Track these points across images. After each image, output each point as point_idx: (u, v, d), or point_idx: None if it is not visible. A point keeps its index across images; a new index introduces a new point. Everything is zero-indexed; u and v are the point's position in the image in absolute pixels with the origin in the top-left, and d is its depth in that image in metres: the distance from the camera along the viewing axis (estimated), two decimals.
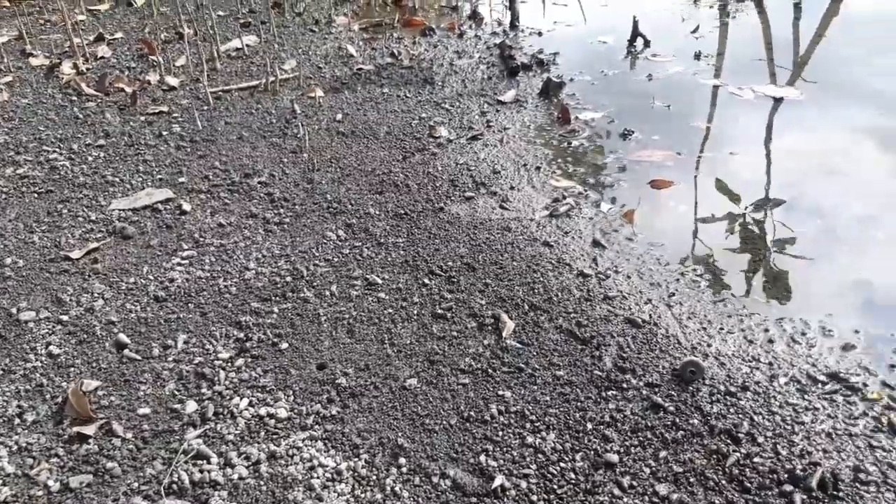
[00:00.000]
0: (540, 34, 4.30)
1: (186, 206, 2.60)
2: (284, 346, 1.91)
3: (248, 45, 4.30)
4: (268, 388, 1.77)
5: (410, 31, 4.55)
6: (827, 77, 3.43)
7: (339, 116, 3.34)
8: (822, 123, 3.04)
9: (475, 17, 4.66)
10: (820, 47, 3.81)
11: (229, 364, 1.85)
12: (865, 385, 1.75)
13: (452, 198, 2.65)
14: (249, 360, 1.87)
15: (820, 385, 1.76)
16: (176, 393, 1.77)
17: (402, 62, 3.99)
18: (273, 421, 1.67)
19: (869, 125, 2.97)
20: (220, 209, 2.60)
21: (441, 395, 1.73)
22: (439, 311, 2.02)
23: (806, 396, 1.73)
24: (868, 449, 1.58)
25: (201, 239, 2.42)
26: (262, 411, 1.69)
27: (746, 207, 2.50)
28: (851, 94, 3.25)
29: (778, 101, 3.25)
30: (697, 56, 3.72)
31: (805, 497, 1.47)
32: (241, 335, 1.96)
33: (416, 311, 2.03)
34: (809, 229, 2.36)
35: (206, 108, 3.46)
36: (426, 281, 2.16)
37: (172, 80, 3.75)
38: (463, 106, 3.44)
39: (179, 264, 2.29)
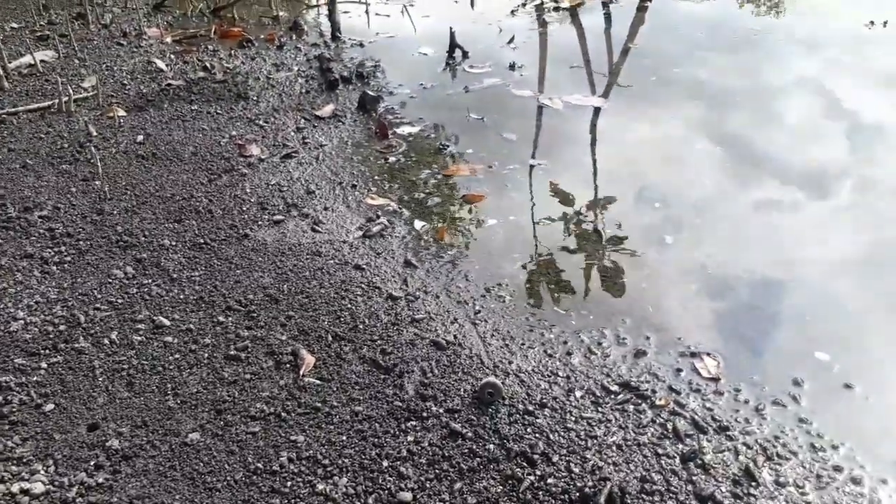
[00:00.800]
0: (362, 45, 4.24)
1: None
2: (50, 407, 1.70)
3: (42, 62, 3.90)
4: (25, 460, 1.56)
5: (228, 43, 4.33)
6: (640, 81, 3.60)
7: (141, 137, 3.09)
8: (624, 127, 3.18)
9: (296, 28, 4.51)
10: (632, 54, 4.01)
11: None
12: (654, 392, 1.81)
13: (260, 222, 2.51)
14: (7, 427, 1.64)
15: (613, 396, 1.80)
16: None
17: (216, 76, 3.77)
18: (27, 498, 1.46)
19: (673, 125, 3.15)
20: None
21: (227, 448, 1.60)
22: (233, 353, 1.88)
23: (600, 409, 1.76)
24: (654, 457, 1.62)
25: None
26: (15, 488, 1.49)
27: (577, 212, 2.56)
28: (653, 96, 3.43)
29: (589, 108, 3.37)
30: (512, 67, 3.80)
31: None
32: (0, 399, 1.72)
33: (206, 355, 1.88)
34: (612, 234, 2.45)
35: None
36: (221, 318, 2.01)
37: None
38: (278, 122, 3.30)
39: None
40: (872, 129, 3.12)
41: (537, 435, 1.67)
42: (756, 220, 2.51)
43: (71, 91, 3.39)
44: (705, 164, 2.87)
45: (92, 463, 1.56)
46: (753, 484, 1.55)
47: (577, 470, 1.59)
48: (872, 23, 4.25)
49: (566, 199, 2.68)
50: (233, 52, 4.14)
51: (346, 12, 4.83)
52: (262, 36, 4.40)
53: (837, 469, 1.58)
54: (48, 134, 3.11)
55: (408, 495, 1.50)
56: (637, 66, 3.85)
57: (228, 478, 1.53)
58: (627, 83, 3.62)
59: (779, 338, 1.98)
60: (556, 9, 4.76)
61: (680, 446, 1.65)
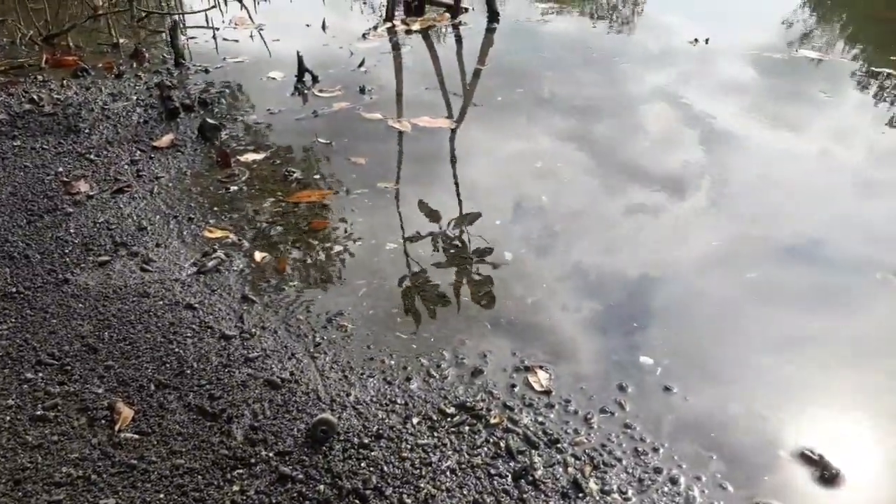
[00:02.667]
0: (207, 71, 4.09)
1: None
2: None
3: None
4: None
5: (61, 73, 4.06)
6: (487, 101, 3.68)
7: None
8: (473, 146, 3.23)
9: (137, 55, 4.30)
10: (476, 74, 4.09)
11: None
12: (489, 410, 1.81)
13: (83, 265, 2.34)
14: None
15: (449, 419, 1.79)
16: None
17: (44, 108, 3.52)
18: None
19: (517, 142, 3.22)
20: None
21: None
22: (40, 413, 1.72)
23: (436, 433, 1.74)
24: (487, 479, 1.62)
25: None
26: None
27: (423, 234, 2.54)
28: (498, 115, 3.51)
29: (438, 130, 3.39)
30: (362, 90, 3.78)
31: None
32: None
33: (8, 418, 1.71)
34: (455, 255, 2.46)
35: None
36: (30, 375, 1.85)
37: None
38: (112, 155, 3.11)
39: None
40: (703, 136, 3.33)
41: (371, 469, 1.64)
42: (595, 231, 2.60)
43: None
44: (549, 177, 2.96)
45: None
46: (581, 495, 1.58)
47: (409, 501, 1.56)
48: (696, 40, 4.57)
49: (412, 220, 2.68)
50: (66, 82, 3.89)
51: (192, 38, 4.67)
52: (99, 64, 4.17)
53: (657, 471, 1.64)
54: None
55: None
56: (485, 86, 3.94)
57: None
58: (479, 103, 3.69)
59: (608, 345, 2.04)
60: (408, 31, 4.80)
61: (512, 464, 1.66)
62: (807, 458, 1.68)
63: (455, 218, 2.68)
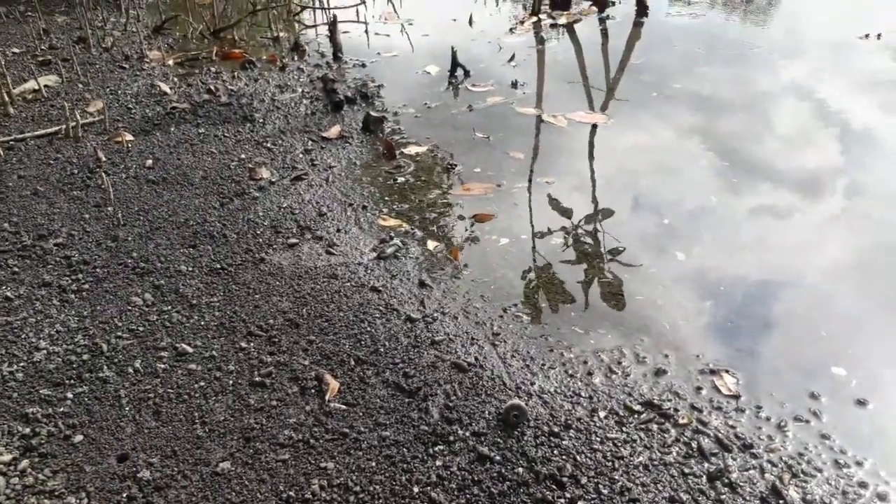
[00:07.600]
0: (364, 65, 4.27)
1: None
2: (79, 438, 1.70)
3: (46, 86, 3.92)
4: (57, 492, 1.57)
5: (230, 65, 4.36)
6: (641, 97, 3.65)
7: (150, 162, 3.11)
8: (629, 144, 3.22)
9: (297, 48, 4.55)
10: (633, 70, 4.06)
11: (12, 468, 1.62)
12: (676, 410, 1.83)
13: (275, 246, 2.52)
14: (36, 459, 1.65)
15: (636, 415, 1.82)
16: None
17: (221, 98, 3.80)
18: None
19: (671, 140, 3.19)
20: (8, 279, 2.31)
21: (258, 477, 1.61)
22: (257, 379, 1.89)
23: (624, 429, 1.78)
24: (681, 477, 1.64)
25: None
26: None
27: (577, 225, 2.58)
28: (655, 112, 3.48)
29: (590, 126, 3.41)
30: (514, 85, 3.84)
31: None
32: (28, 430, 1.72)
33: (231, 381, 1.89)
34: (629, 246, 2.48)
35: None
36: (244, 344, 2.02)
37: None
38: (286, 144, 3.32)
39: None
40: (864, 136, 3.17)
41: (564, 457, 1.69)
42: (761, 231, 2.55)
43: (78, 116, 3.41)
44: (713, 177, 2.91)
45: (125, 494, 1.56)
46: (781, 502, 1.57)
47: (605, 492, 1.60)
48: (867, 35, 4.33)
49: (570, 216, 2.71)
50: (235, 74, 4.17)
51: (345, 32, 4.87)
52: (263, 57, 4.44)
53: (863, 485, 1.60)
54: (57, 160, 3.12)
55: None
56: (638, 81, 3.90)
57: None
58: (625, 98, 3.66)
59: (794, 353, 2.00)
60: (554, 25, 4.82)
61: (706, 465, 1.67)
62: None
63: (605, 213, 2.69)
